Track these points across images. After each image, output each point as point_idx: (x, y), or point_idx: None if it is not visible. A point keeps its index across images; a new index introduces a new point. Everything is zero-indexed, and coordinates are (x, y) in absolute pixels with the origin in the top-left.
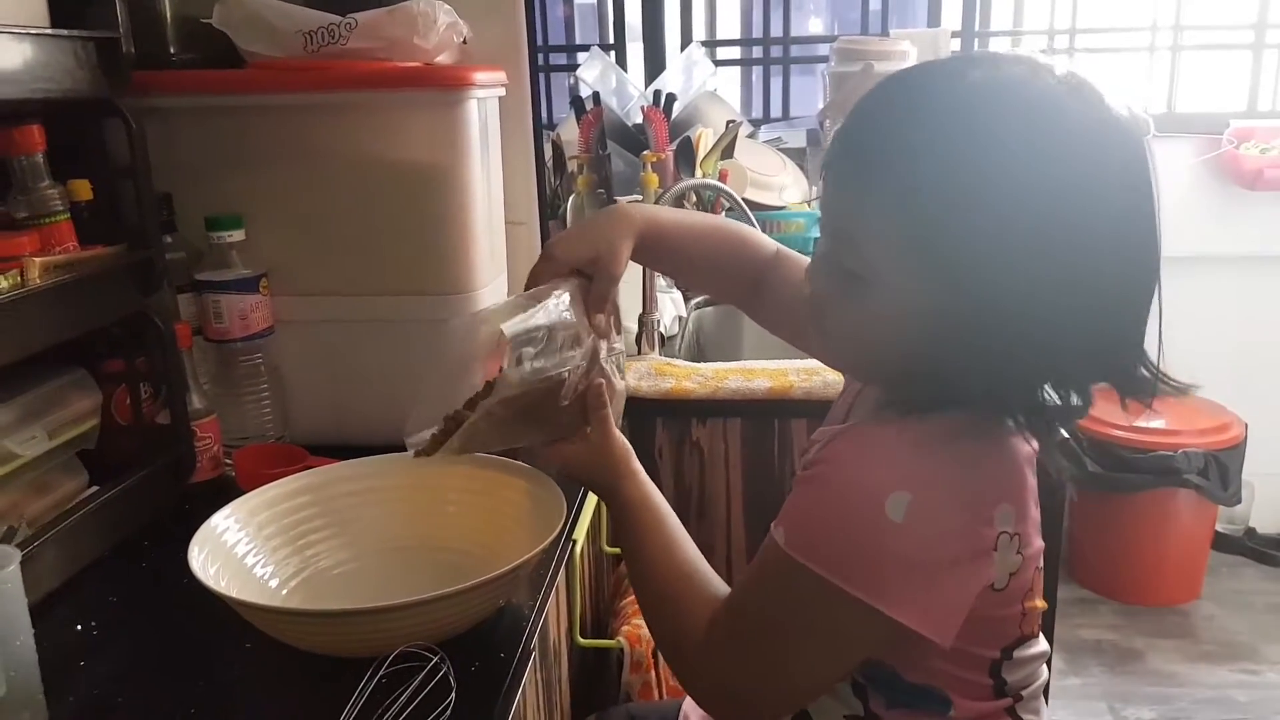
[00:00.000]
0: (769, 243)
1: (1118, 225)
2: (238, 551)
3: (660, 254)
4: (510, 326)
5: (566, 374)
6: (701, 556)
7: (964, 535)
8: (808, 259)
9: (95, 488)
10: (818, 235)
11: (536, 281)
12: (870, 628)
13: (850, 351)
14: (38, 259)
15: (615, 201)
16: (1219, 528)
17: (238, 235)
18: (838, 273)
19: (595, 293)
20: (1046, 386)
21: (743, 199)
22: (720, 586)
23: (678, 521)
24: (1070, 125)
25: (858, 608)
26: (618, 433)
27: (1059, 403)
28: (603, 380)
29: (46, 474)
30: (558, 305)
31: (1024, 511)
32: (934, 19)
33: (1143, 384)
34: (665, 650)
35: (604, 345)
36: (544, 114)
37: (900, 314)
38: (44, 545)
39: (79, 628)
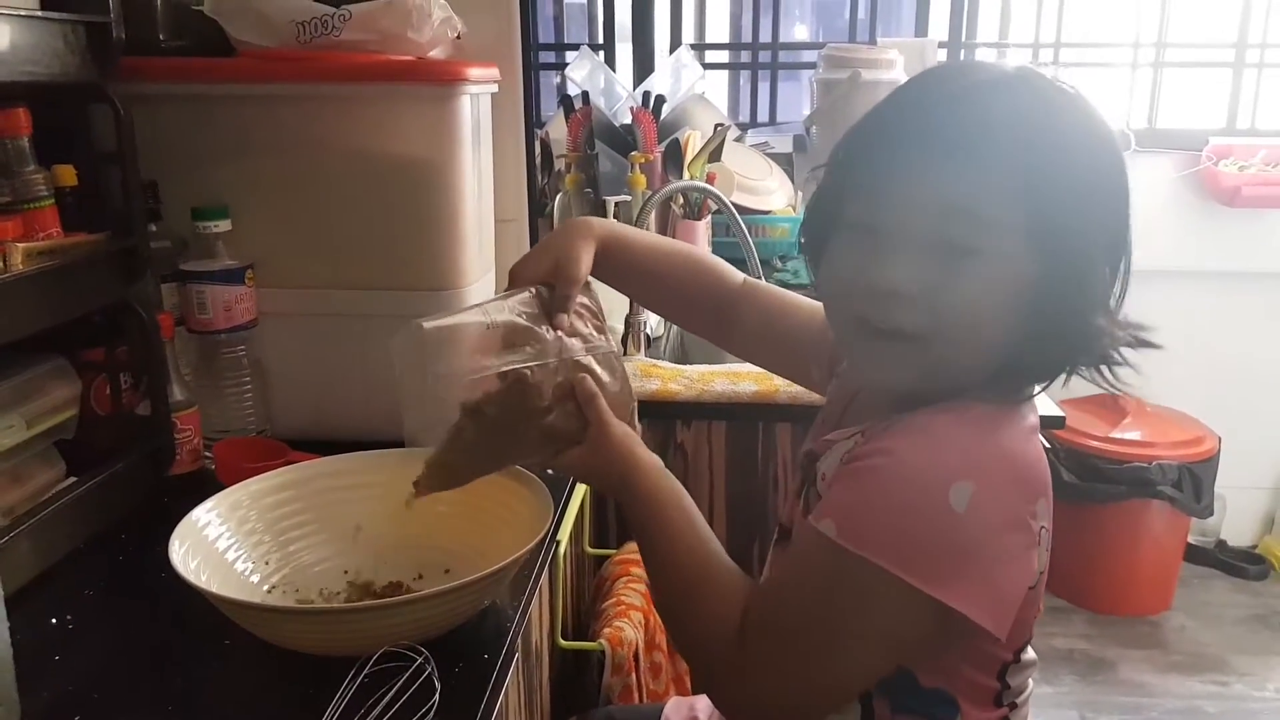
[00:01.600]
0: (736, 272)
1: (1127, 190)
2: (219, 546)
3: (623, 268)
4: (430, 322)
5: (528, 371)
6: (720, 548)
7: (1019, 526)
8: (778, 289)
9: (73, 478)
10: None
11: None
12: (926, 621)
13: (952, 345)
14: (20, 244)
15: (603, 201)
16: (1191, 539)
17: (224, 226)
18: (938, 260)
19: (557, 296)
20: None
21: (730, 202)
22: (746, 580)
23: (695, 511)
24: (1095, 109)
25: (917, 600)
26: (616, 424)
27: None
28: (585, 376)
29: (23, 463)
30: (497, 306)
31: (1052, 509)
32: (921, 29)
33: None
34: (689, 651)
35: (579, 344)
36: (533, 109)
37: (1009, 289)
38: (19, 536)
39: (54, 621)
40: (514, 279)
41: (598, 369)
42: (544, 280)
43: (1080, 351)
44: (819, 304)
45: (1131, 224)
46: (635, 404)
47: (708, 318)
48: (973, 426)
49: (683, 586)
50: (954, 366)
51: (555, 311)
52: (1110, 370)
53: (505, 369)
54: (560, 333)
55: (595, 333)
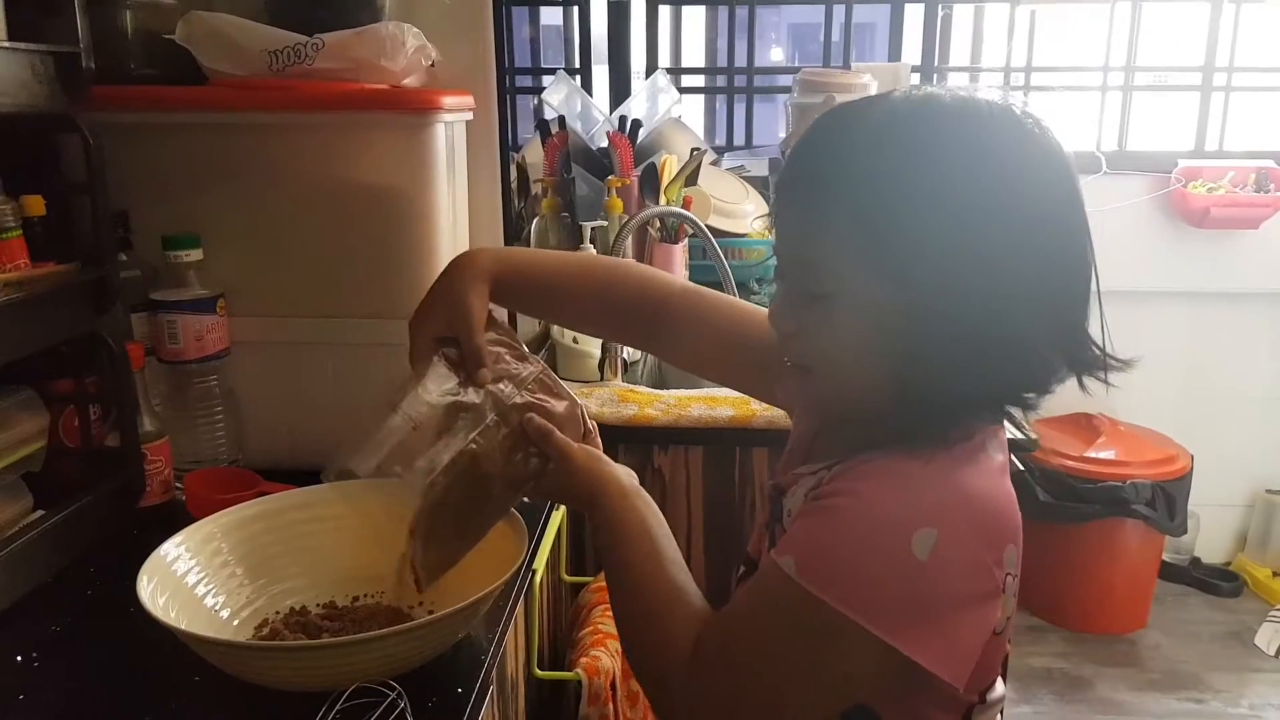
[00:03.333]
0: (674, 280)
1: (1053, 210)
2: (188, 581)
3: (526, 293)
4: (360, 465)
5: (474, 445)
6: (688, 573)
7: (981, 576)
8: (720, 294)
9: (40, 512)
10: (774, 273)
11: (411, 363)
12: (880, 666)
13: (832, 382)
14: None
15: (580, 226)
16: (1165, 557)
17: (195, 254)
18: (803, 302)
19: (465, 351)
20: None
21: (706, 225)
22: (705, 607)
23: (665, 534)
24: (991, 124)
25: (873, 645)
26: (577, 450)
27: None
28: (532, 415)
29: None
30: (413, 400)
31: (1020, 554)
32: (895, 53)
33: (1095, 360)
34: (642, 670)
35: (509, 387)
36: (509, 136)
37: (871, 322)
38: None
39: (19, 659)
40: (412, 335)
41: (538, 399)
42: (443, 334)
43: (986, 376)
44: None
45: (1043, 248)
46: (581, 407)
47: (636, 327)
48: (940, 471)
49: (640, 609)
50: (847, 395)
51: (470, 369)
52: (1024, 401)
53: (448, 459)
54: (486, 387)
55: (517, 362)
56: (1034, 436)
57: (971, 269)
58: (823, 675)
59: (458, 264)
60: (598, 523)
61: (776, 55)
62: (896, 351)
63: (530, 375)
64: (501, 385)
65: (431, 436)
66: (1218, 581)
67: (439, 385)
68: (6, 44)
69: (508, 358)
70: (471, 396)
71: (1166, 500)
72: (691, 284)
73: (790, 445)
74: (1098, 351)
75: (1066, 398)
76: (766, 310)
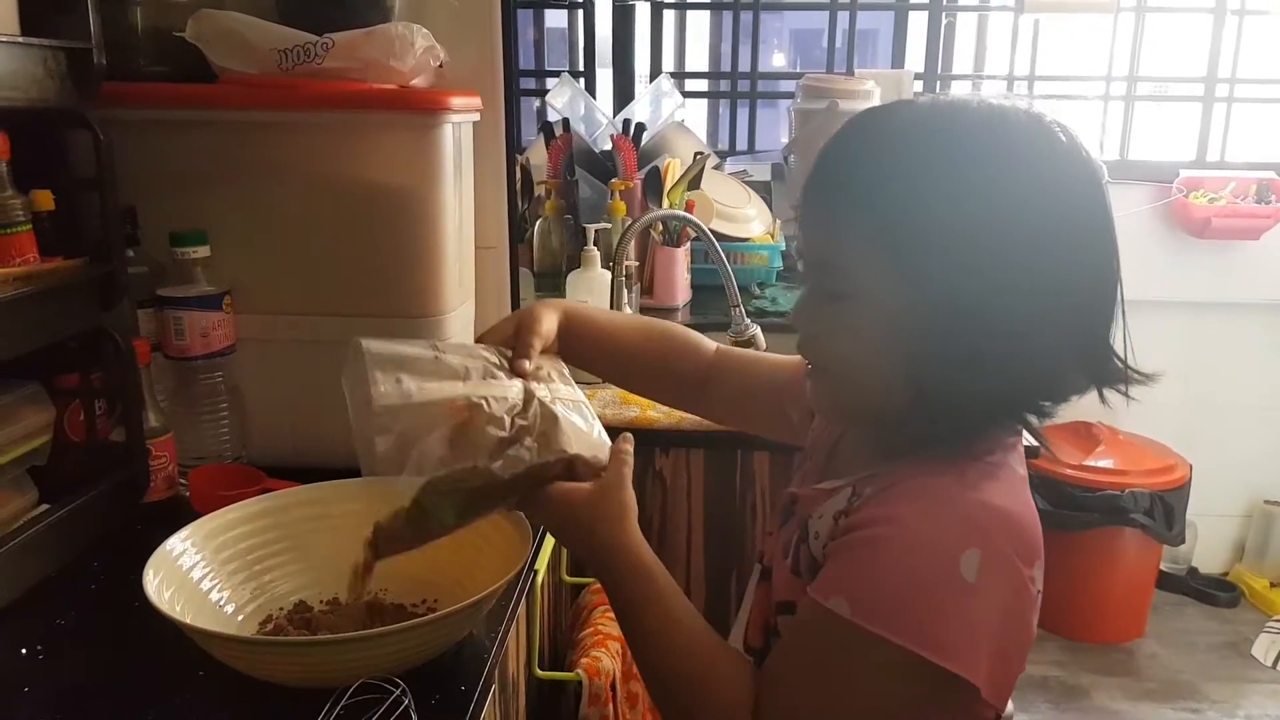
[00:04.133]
0: (708, 342)
1: (1078, 221)
2: (193, 576)
3: (589, 342)
4: (371, 341)
5: (486, 402)
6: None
7: (1022, 592)
8: (750, 352)
9: (45, 506)
10: (781, 268)
11: None
12: (945, 697)
13: (849, 384)
14: None
15: (583, 228)
16: (1163, 567)
17: (202, 251)
18: (822, 302)
19: (519, 344)
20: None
21: (709, 230)
22: (749, 662)
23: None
24: (1016, 131)
25: (940, 677)
26: (630, 488)
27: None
28: (628, 435)
29: None
30: (447, 342)
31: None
32: (898, 60)
33: (1116, 374)
34: None
35: (544, 389)
36: (514, 137)
37: (886, 323)
38: None
39: (24, 651)
40: (477, 341)
41: (572, 415)
42: (508, 341)
43: (1001, 382)
44: (786, 356)
45: (1065, 258)
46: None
47: (685, 391)
48: (972, 487)
49: (689, 672)
50: (862, 397)
51: (516, 358)
52: (1040, 409)
53: (454, 394)
54: (524, 377)
55: (564, 385)
56: (1048, 446)
57: (987, 274)
58: (888, 711)
59: (540, 301)
60: (627, 565)
61: (779, 60)
62: (911, 353)
63: (571, 396)
64: (540, 386)
65: (450, 374)
66: (1215, 591)
67: (483, 352)
68: (19, 39)
69: (554, 375)
70: (504, 376)
71: (1165, 510)
72: (719, 345)
73: (805, 455)
74: (1119, 364)
75: (1066, 406)
76: (786, 360)
